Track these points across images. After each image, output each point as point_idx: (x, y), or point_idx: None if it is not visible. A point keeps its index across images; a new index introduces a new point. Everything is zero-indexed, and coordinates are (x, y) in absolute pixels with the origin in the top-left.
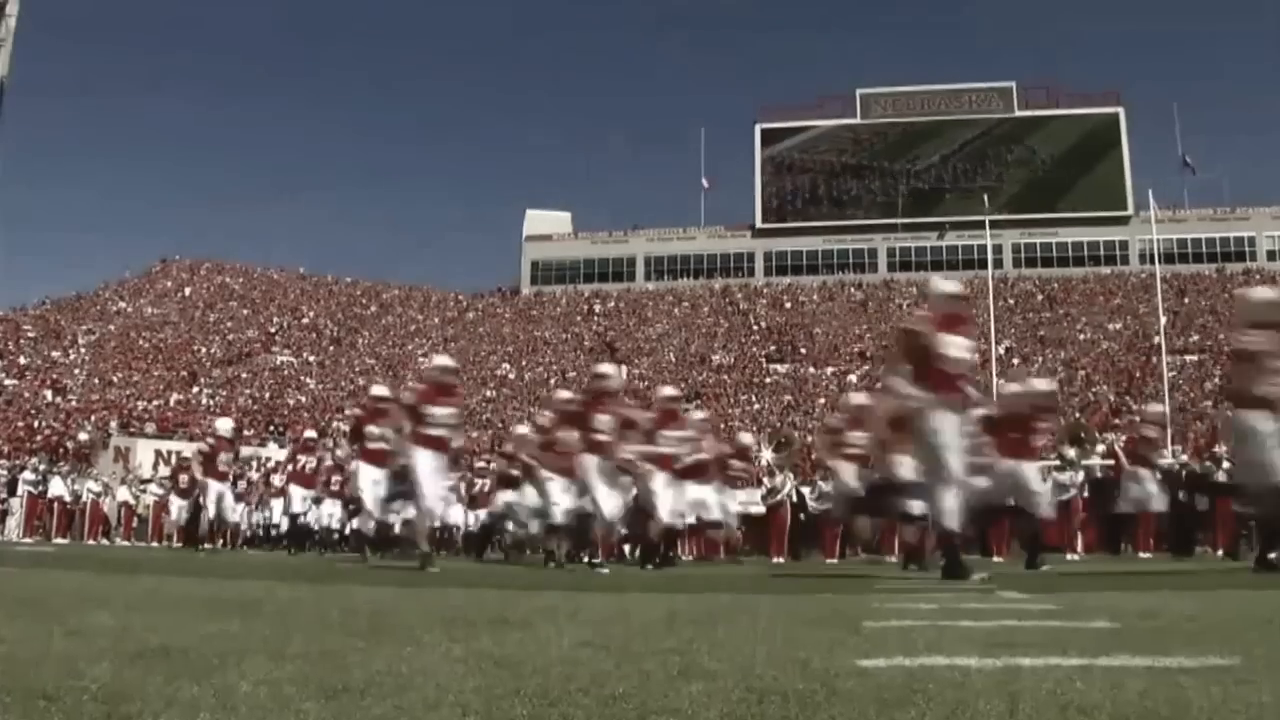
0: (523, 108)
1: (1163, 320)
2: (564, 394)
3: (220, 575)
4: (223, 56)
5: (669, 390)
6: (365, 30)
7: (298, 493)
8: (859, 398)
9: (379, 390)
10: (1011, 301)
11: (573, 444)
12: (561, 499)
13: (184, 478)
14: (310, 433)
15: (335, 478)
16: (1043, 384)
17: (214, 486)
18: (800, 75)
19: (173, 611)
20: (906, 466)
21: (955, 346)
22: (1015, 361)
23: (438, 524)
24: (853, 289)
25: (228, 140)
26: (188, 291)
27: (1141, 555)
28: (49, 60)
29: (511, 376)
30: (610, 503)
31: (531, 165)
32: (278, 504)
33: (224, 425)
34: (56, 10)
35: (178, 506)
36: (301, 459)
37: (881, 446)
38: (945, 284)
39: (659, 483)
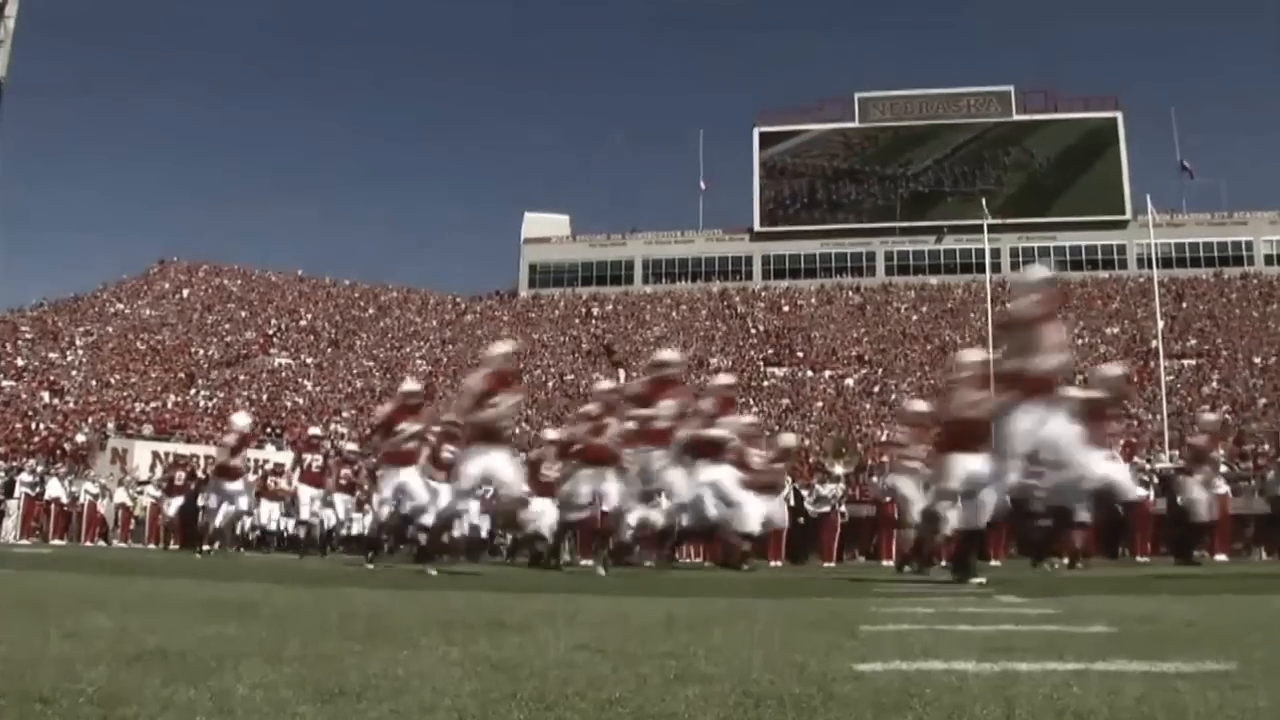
0: (521, 110)
1: (1160, 325)
2: (607, 384)
3: (218, 578)
4: (221, 57)
5: (726, 378)
6: (364, 32)
7: (307, 493)
8: (918, 405)
9: (411, 385)
10: (1009, 305)
11: (622, 434)
12: (604, 491)
13: (179, 475)
14: (314, 430)
15: (344, 472)
16: (1114, 369)
17: (226, 485)
18: (800, 77)
19: (170, 614)
20: (959, 476)
21: (1056, 337)
22: None
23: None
24: (850, 292)
25: (225, 141)
26: (185, 293)
27: (1139, 559)
28: (46, 60)
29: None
30: (679, 493)
31: (530, 168)
32: (269, 506)
33: (242, 421)
34: (54, 10)
35: (171, 506)
36: (307, 458)
37: (942, 450)
38: (1044, 271)
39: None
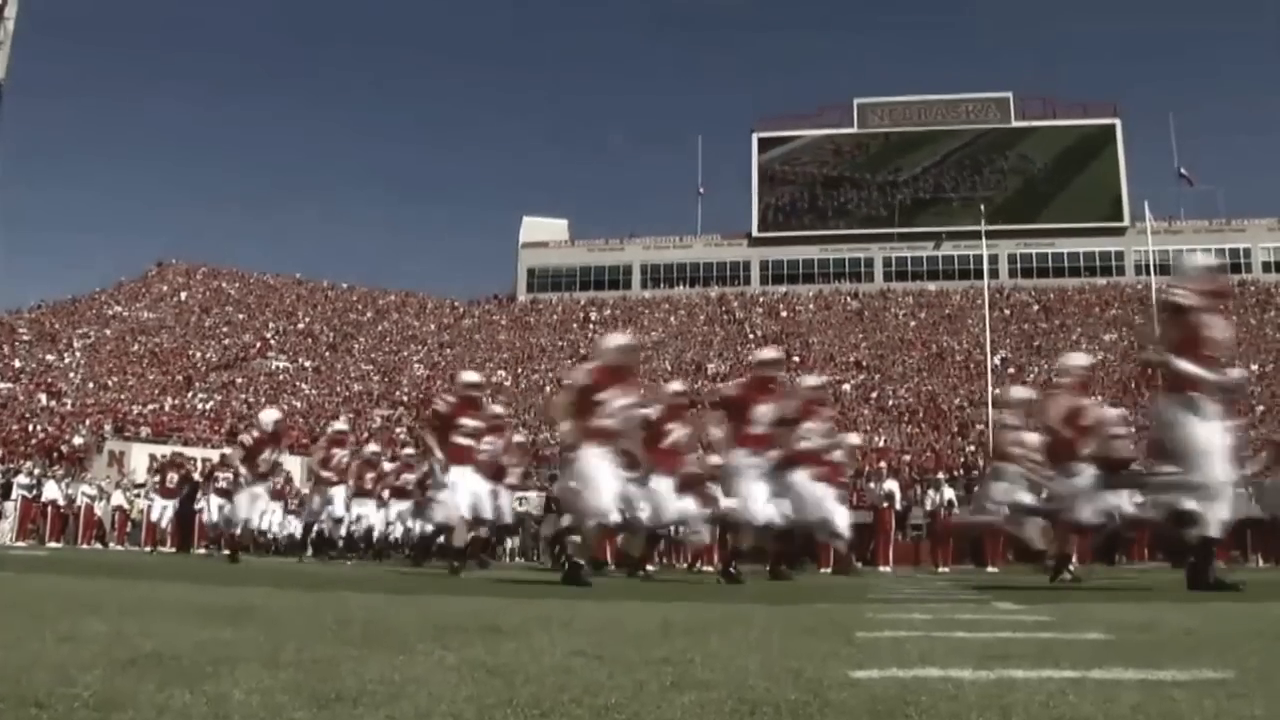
0: (519, 112)
1: (1158, 332)
2: (676, 385)
3: (215, 581)
4: (220, 57)
5: (813, 380)
6: (363, 32)
7: (340, 493)
8: (1023, 392)
9: (471, 377)
10: (1007, 312)
11: (688, 441)
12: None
13: (172, 476)
14: (339, 424)
15: (369, 475)
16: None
17: (249, 487)
18: (800, 79)
19: (166, 618)
20: (1086, 475)
21: (1220, 329)
22: (1010, 371)
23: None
24: (848, 298)
25: (224, 141)
26: (183, 296)
27: (1137, 566)
28: (44, 60)
29: (507, 384)
30: (761, 505)
31: (528, 172)
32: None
33: (269, 417)
34: (53, 10)
35: (161, 507)
36: (336, 453)
37: (1059, 448)
38: (1208, 259)
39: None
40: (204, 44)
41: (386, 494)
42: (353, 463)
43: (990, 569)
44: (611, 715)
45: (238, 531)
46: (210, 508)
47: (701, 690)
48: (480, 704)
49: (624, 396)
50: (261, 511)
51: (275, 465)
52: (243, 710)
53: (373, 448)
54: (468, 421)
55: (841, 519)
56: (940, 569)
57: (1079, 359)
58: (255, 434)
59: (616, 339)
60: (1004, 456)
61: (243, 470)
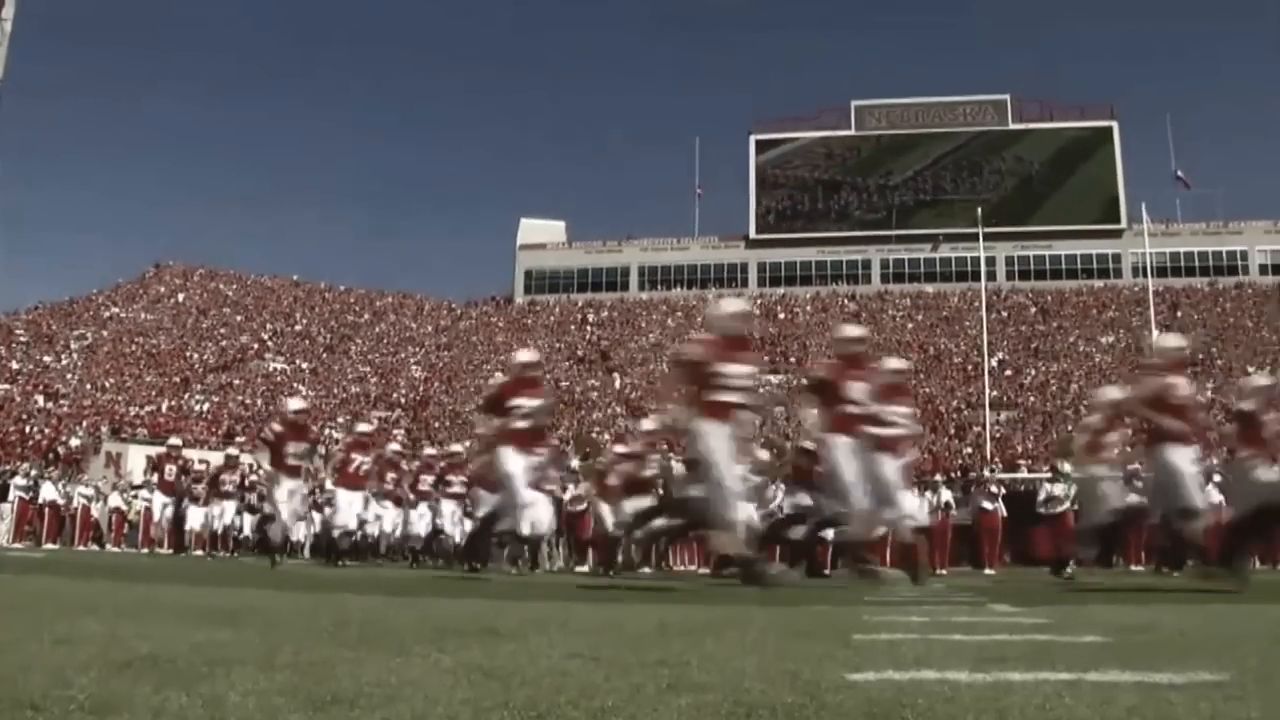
0: (517, 113)
1: (1155, 333)
2: (774, 379)
3: (212, 583)
4: (215, 58)
5: (896, 362)
6: (359, 34)
7: (348, 497)
8: (1112, 391)
9: (528, 355)
10: (1005, 314)
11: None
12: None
13: (170, 469)
14: (365, 425)
15: (389, 475)
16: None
17: (284, 484)
18: (798, 81)
19: (162, 619)
20: (1186, 458)
21: None
22: (1008, 374)
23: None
24: (846, 300)
25: (220, 142)
26: (181, 298)
27: (1134, 568)
28: (39, 61)
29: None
30: (857, 494)
31: (526, 174)
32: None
33: (292, 405)
34: (47, 10)
35: (161, 505)
36: (356, 458)
37: (1152, 438)
38: None
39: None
40: (201, 44)
41: (411, 495)
42: (375, 466)
43: (988, 571)
44: (607, 718)
45: (283, 534)
46: (218, 512)
47: (698, 693)
48: (476, 706)
49: (745, 365)
50: (294, 513)
51: (310, 454)
52: (238, 713)
53: (394, 447)
54: (525, 402)
55: (921, 511)
56: (938, 571)
57: (1173, 340)
58: (278, 427)
59: (733, 306)
60: (1093, 459)
61: (267, 468)
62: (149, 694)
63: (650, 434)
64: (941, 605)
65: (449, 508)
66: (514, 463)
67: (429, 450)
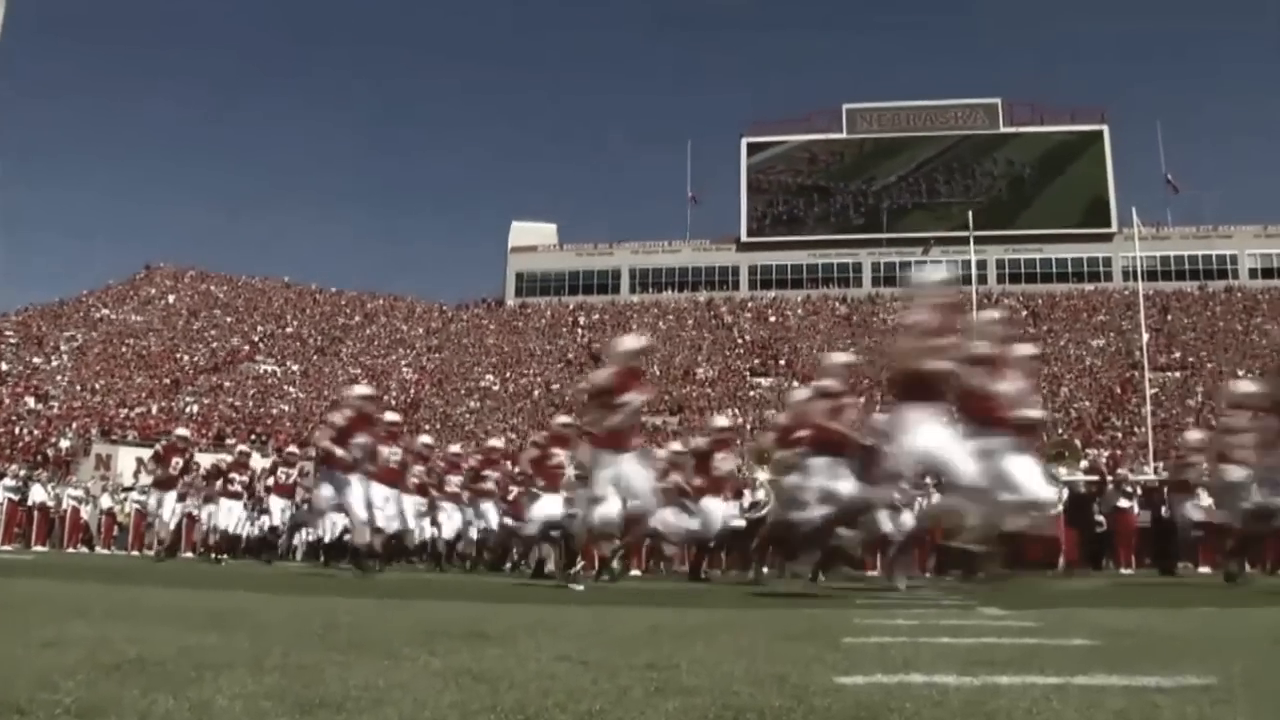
0: (509, 118)
1: (1145, 337)
2: (843, 357)
3: (202, 586)
4: (212, 59)
5: (1027, 348)
6: (356, 34)
7: (383, 493)
8: (1245, 386)
9: (635, 342)
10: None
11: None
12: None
13: (177, 461)
14: (392, 415)
15: (418, 469)
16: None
17: (356, 486)
18: (794, 83)
19: (151, 622)
20: None
21: None
22: None
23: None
24: (837, 303)
25: (213, 144)
26: (171, 299)
27: (1123, 571)
28: (35, 61)
29: (496, 388)
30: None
31: (517, 177)
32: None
33: (360, 390)
34: (43, 10)
35: (171, 503)
36: (419, 468)
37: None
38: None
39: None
40: (197, 44)
41: (466, 495)
42: (407, 459)
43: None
44: None
45: (367, 534)
46: (219, 512)
47: (685, 696)
48: (464, 710)
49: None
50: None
51: (372, 452)
52: (226, 716)
53: (424, 439)
54: (633, 398)
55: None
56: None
57: None
58: (348, 412)
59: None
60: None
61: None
62: (136, 697)
63: (722, 431)
64: (931, 609)
65: (485, 507)
66: (627, 465)
67: (454, 448)
